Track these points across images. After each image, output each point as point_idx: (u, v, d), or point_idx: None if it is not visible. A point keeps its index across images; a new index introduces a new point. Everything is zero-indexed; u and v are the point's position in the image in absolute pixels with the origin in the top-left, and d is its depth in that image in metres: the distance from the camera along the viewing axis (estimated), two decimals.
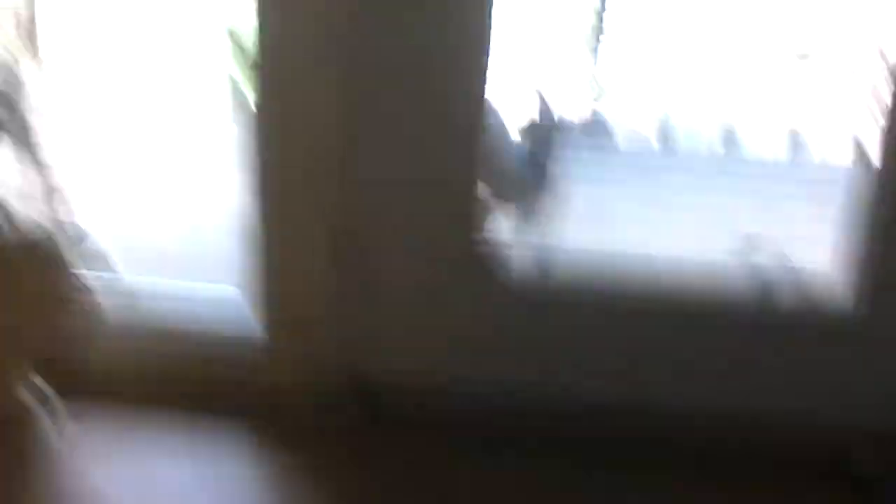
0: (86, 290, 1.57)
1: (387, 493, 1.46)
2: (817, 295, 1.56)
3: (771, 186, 1.90)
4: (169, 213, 2.26)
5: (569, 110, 1.86)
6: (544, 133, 1.86)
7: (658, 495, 1.46)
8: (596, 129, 1.94)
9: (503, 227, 1.74)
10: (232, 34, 1.89)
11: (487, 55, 1.48)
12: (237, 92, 1.88)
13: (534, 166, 1.85)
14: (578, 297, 1.58)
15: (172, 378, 1.67)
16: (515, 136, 1.87)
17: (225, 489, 1.48)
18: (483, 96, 1.51)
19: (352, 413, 1.63)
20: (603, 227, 1.86)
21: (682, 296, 1.57)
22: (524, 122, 1.86)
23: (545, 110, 1.84)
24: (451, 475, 1.50)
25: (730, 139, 1.95)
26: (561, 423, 1.56)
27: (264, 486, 1.52)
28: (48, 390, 1.66)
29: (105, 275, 1.59)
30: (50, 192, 1.61)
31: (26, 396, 1.63)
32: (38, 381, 1.66)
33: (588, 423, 1.55)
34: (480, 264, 1.59)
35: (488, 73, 1.49)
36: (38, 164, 1.60)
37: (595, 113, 1.92)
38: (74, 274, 1.55)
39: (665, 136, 2.08)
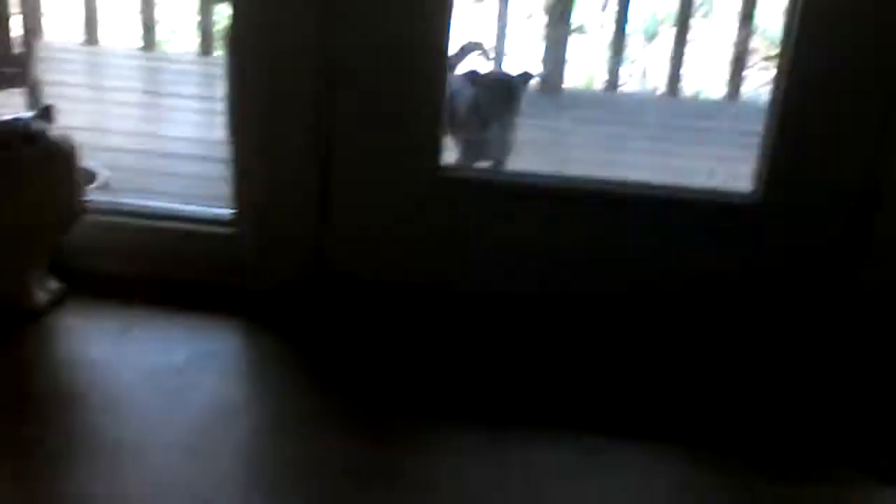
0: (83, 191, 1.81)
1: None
2: None
3: None
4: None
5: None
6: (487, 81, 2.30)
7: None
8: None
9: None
10: None
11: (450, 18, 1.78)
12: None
13: (477, 108, 2.27)
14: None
15: (152, 255, 1.93)
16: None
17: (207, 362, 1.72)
18: (445, 50, 1.81)
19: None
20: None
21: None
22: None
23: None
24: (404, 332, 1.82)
25: None
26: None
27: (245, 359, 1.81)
28: (60, 284, 1.87)
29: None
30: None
31: (41, 289, 1.84)
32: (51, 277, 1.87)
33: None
34: (434, 183, 1.89)
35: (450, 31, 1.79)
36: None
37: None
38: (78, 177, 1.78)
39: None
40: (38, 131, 1.69)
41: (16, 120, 1.71)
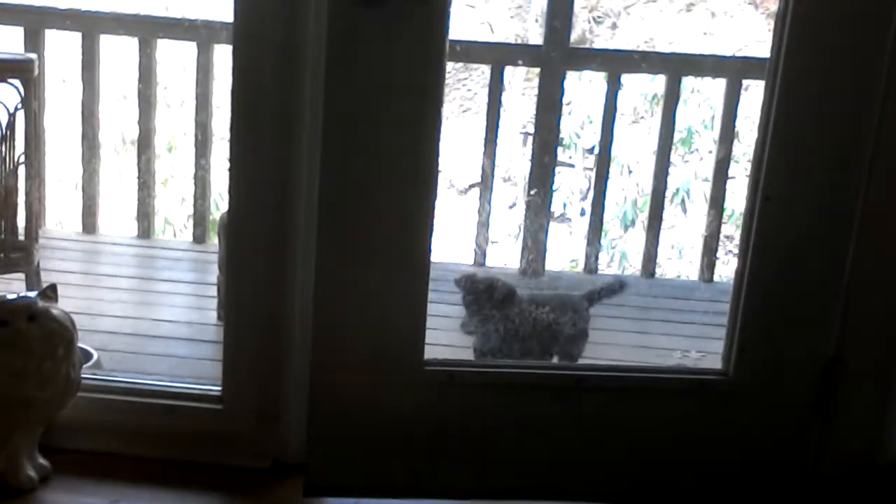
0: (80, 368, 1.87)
1: None
2: None
3: None
4: None
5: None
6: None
7: None
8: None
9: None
10: None
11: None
12: None
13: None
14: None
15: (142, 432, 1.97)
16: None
17: None
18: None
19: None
20: None
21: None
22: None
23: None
24: None
25: None
26: None
27: None
28: (45, 462, 1.91)
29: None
30: None
31: (30, 466, 1.87)
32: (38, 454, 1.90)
33: None
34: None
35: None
36: None
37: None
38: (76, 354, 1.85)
39: None
40: (41, 309, 1.77)
41: (20, 298, 1.79)
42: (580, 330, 2.47)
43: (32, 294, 1.82)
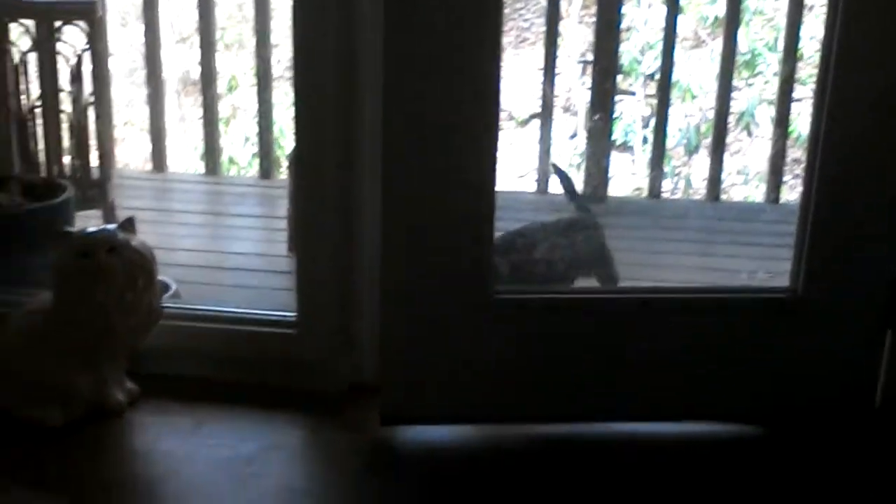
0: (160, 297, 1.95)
1: None
2: None
3: None
4: None
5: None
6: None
7: None
8: None
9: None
10: None
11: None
12: None
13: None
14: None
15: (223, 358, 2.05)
16: None
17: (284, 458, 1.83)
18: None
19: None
20: None
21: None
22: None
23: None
24: None
25: None
26: None
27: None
28: (134, 386, 1.99)
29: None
30: None
31: (120, 390, 1.96)
32: (127, 379, 1.99)
33: None
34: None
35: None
36: None
37: None
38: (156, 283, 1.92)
39: None
40: (121, 241, 1.83)
41: (101, 230, 1.86)
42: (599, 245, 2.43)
43: (112, 226, 1.88)
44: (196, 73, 3.79)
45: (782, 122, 3.34)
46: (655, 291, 1.91)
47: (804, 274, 1.85)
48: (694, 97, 4.16)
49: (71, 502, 1.67)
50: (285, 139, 3.92)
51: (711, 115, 3.47)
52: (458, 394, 1.90)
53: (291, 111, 1.97)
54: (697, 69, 4.14)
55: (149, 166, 3.73)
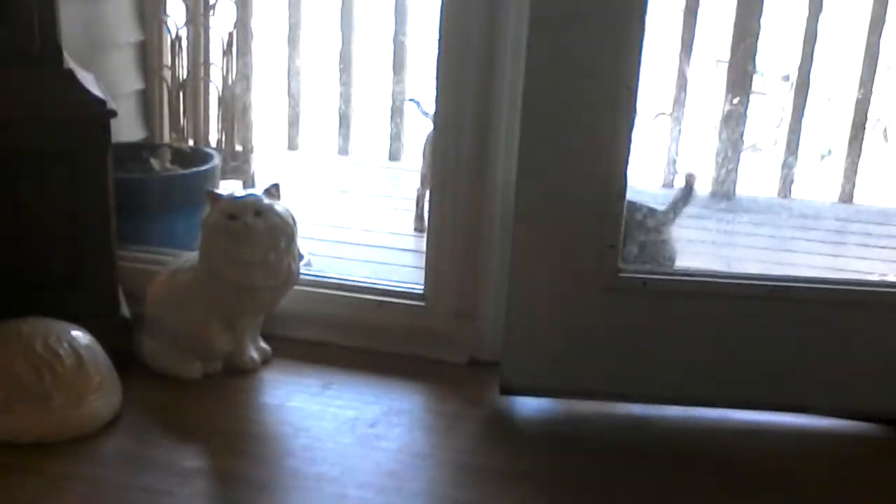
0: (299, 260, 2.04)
1: None
2: None
3: None
4: None
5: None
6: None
7: None
8: None
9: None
10: None
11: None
12: None
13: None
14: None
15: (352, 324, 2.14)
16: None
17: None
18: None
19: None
20: None
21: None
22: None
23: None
24: None
25: None
26: None
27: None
28: (267, 347, 2.10)
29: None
30: None
31: (254, 349, 2.07)
32: (261, 339, 2.10)
33: None
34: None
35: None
36: None
37: None
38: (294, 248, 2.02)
39: None
40: (265, 205, 1.93)
41: (248, 195, 1.96)
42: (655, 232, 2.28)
43: (258, 192, 1.99)
44: (335, 55, 3.90)
45: None
46: (788, 280, 1.90)
47: None
48: (829, 99, 4.06)
49: (209, 451, 1.77)
50: (412, 123, 4.01)
51: (847, 117, 3.40)
52: (575, 369, 1.94)
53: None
54: (835, 70, 4.04)
55: (284, 143, 3.87)
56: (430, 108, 2.25)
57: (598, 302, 1.89)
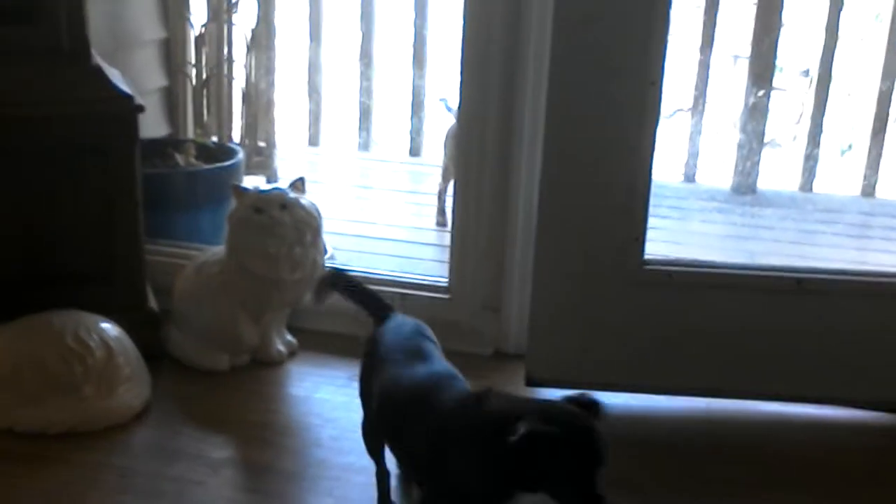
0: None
1: None
2: None
3: None
4: None
5: None
6: None
7: None
8: None
9: None
10: None
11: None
12: None
13: None
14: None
15: None
16: None
17: None
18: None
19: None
20: None
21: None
22: None
23: None
24: None
25: None
26: None
27: None
28: (293, 339, 2.12)
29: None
30: None
31: (281, 341, 2.09)
32: (287, 332, 2.12)
33: None
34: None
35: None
36: None
37: None
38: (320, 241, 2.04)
39: None
40: (291, 199, 1.95)
41: (274, 189, 1.98)
42: None
43: (284, 186, 2.00)
44: (356, 50, 3.91)
45: None
46: (811, 272, 1.90)
47: None
48: (849, 94, 4.05)
49: (238, 441, 1.79)
50: (431, 118, 4.01)
51: (869, 113, 3.40)
52: (600, 361, 1.95)
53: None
54: (856, 66, 4.03)
55: (305, 139, 3.89)
56: (454, 103, 2.27)
57: (623, 294, 1.90)
